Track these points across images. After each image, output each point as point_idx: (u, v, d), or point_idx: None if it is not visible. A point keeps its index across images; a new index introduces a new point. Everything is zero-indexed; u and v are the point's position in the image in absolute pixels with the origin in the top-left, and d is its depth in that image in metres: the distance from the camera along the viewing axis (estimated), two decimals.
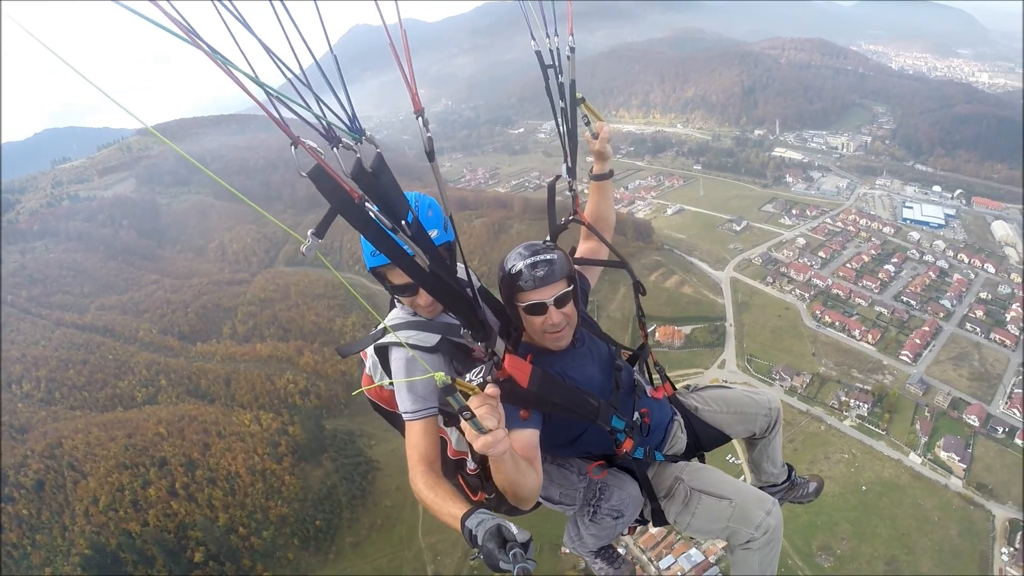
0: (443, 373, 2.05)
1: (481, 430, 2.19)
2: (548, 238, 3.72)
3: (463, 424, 2.20)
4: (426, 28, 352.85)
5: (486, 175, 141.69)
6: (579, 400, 3.11)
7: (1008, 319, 75.88)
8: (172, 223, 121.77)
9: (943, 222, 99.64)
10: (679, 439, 3.90)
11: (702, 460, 4.13)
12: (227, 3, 1.46)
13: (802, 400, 65.15)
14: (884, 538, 50.45)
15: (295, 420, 62.83)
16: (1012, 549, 49.41)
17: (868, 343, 72.38)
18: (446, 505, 2.57)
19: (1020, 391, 64.16)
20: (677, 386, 4.16)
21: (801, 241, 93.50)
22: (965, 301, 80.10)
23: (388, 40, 1.86)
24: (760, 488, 4.47)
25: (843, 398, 64.04)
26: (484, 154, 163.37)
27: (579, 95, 3.56)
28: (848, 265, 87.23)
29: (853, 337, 73.39)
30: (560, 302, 3.07)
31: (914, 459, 57.71)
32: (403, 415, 3.00)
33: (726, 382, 4.39)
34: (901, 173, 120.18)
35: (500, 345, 2.76)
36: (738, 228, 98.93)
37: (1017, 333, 73.51)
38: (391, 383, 3.17)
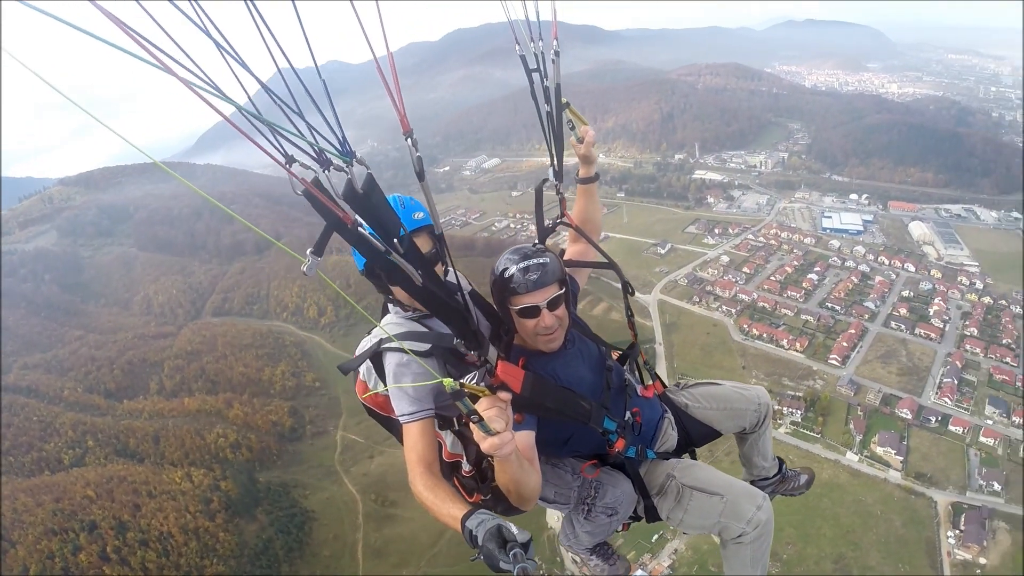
0: (451, 379, 2.26)
1: (489, 432, 2.40)
2: (537, 241, 4.00)
3: (472, 426, 2.42)
4: (351, 70, 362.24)
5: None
6: (572, 403, 3.32)
7: (931, 313, 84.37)
8: (95, 276, 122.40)
9: (862, 228, 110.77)
10: (670, 436, 4.16)
11: (693, 456, 4.40)
12: (218, 38, 1.65)
13: None
14: (829, 537, 53.99)
15: (227, 475, 63.75)
16: (958, 531, 53.92)
17: (797, 351, 78.30)
18: (446, 506, 2.72)
19: (949, 380, 70.52)
20: (667, 384, 4.45)
21: (725, 259, 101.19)
22: (888, 301, 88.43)
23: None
24: (752, 481, 4.88)
25: (776, 407, 68.43)
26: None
27: (564, 100, 3.83)
28: (772, 278, 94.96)
29: (781, 347, 79.21)
30: (553, 305, 3.33)
31: (851, 457, 62.16)
32: (400, 418, 3.17)
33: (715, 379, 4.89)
34: (819, 185, 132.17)
35: (493, 353, 2.95)
36: (663, 251, 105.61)
37: (941, 326, 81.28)
38: (386, 388, 3.34)
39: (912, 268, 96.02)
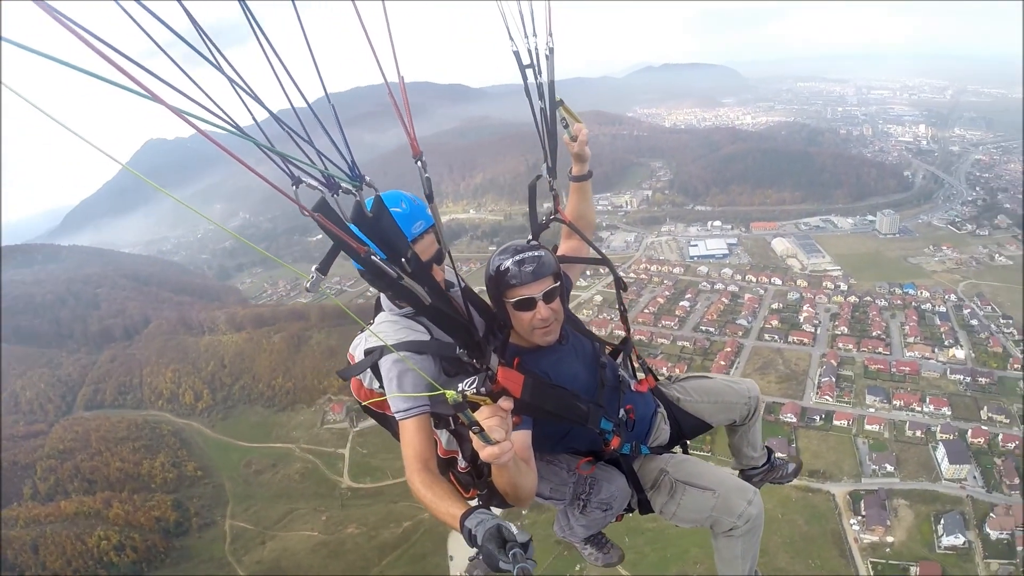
0: (454, 391, 2.55)
1: (489, 441, 2.62)
2: (531, 238, 4.27)
3: (472, 435, 2.64)
4: (222, 137, 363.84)
5: (287, 287, 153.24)
6: (570, 406, 3.69)
7: (802, 320, 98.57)
8: None
9: (727, 251, 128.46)
10: (662, 430, 4.60)
11: (685, 449, 4.90)
12: (231, 73, 1.94)
13: None
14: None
15: None
16: (860, 517, 61.99)
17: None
18: (444, 504, 2.98)
19: (827, 379, 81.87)
20: (659, 377, 4.91)
21: (598, 298, 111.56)
22: (759, 315, 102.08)
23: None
24: (741, 471, 5.53)
25: None
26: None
27: (558, 98, 4.14)
28: (646, 310, 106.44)
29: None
30: (548, 297, 3.64)
31: None
32: (395, 415, 3.42)
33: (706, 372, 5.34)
34: (683, 217, 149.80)
35: (494, 360, 3.32)
36: None
37: (812, 330, 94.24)
38: (381, 388, 3.60)
39: (779, 281, 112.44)
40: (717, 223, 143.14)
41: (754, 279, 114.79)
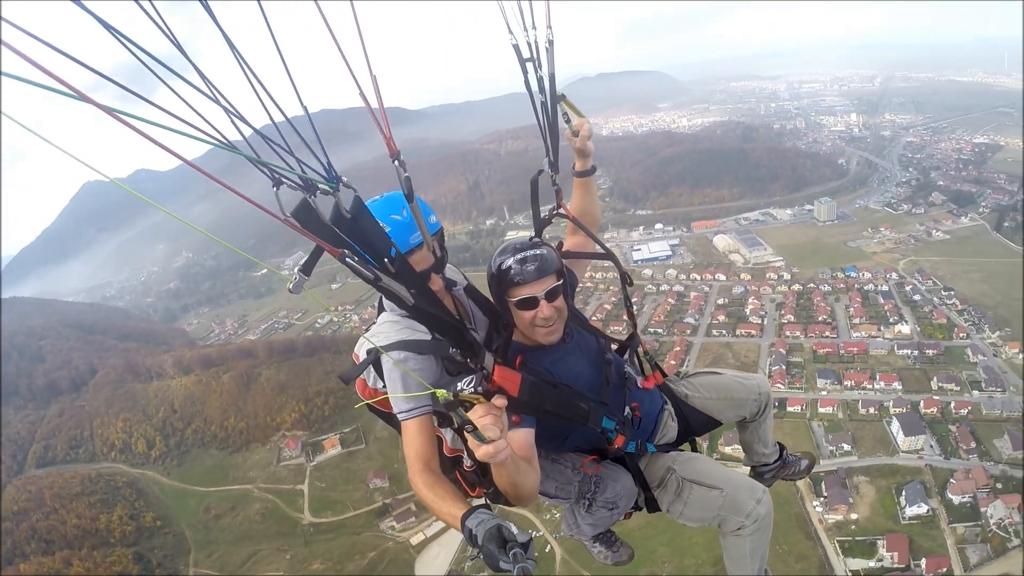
0: (445, 390, 2.61)
1: (483, 440, 2.66)
2: (534, 234, 4.33)
3: (466, 435, 2.70)
4: (160, 178, 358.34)
5: (235, 325, 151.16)
6: (569, 405, 3.69)
7: (748, 312, 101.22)
8: None
9: (670, 252, 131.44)
10: (670, 428, 4.60)
11: (693, 446, 4.90)
12: (209, 89, 1.94)
13: None
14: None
15: None
16: (823, 499, 63.61)
17: None
18: (445, 504, 3.03)
19: (777, 367, 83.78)
20: (667, 374, 4.89)
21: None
22: (706, 312, 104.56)
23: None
24: (753, 467, 5.53)
25: None
26: (230, 303, 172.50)
27: (559, 92, 4.05)
28: (593, 318, 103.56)
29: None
30: (551, 296, 3.67)
31: None
32: (397, 415, 3.48)
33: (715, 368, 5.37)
34: (625, 222, 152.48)
35: (489, 359, 3.31)
36: None
37: (759, 321, 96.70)
38: (384, 387, 3.68)
39: (723, 277, 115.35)
40: (659, 226, 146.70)
41: (699, 277, 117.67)
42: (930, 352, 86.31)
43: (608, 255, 4.63)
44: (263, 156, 2.25)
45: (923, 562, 56.23)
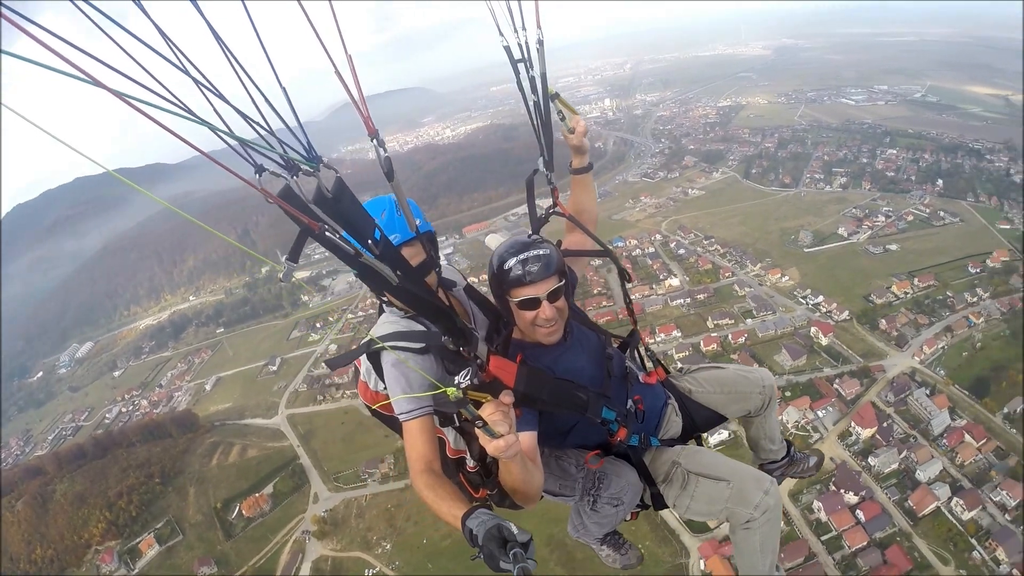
0: (454, 388, 2.68)
1: (494, 435, 2.78)
2: (531, 232, 4.31)
3: (477, 431, 2.80)
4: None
5: (20, 444, 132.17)
6: (568, 395, 3.80)
7: None
8: None
9: (446, 262, 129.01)
10: (674, 422, 4.68)
11: (699, 442, 4.95)
12: (183, 62, 2.01)
13: (397, 479, 77.23)
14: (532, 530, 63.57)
15: None
16: None
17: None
18: (446, 505, 3.10)
19: None
20: (670, 369, 4.97)
21: (333, 347, 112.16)
22: None
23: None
24: (760, 465, 5.51)
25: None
26: (11, 420, 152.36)
27: (552, 90, 4.17)
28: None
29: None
30: (553, 297, 3.76)
31: None
32: (399, 416, 3.57)
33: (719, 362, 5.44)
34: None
35: (482, 348, 3.45)
36: (275, 368, 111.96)
37: None
38: (385, 388, 3.78)
39: None
40: None
41: (476, 279, 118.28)
42: (701, 296, 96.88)
43: (607, 252, 4.67)
44: (240, 144, 2.36)
45: None
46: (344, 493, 78.87)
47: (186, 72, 2.07)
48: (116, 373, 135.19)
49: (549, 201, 4.71)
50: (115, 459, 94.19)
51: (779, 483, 4.59)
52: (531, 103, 4.08)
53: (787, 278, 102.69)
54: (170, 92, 1.91)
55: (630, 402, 4.25)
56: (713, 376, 4.95)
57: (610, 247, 4.67)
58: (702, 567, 56.93)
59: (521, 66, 3.95)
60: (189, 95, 1.97)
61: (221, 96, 2.15)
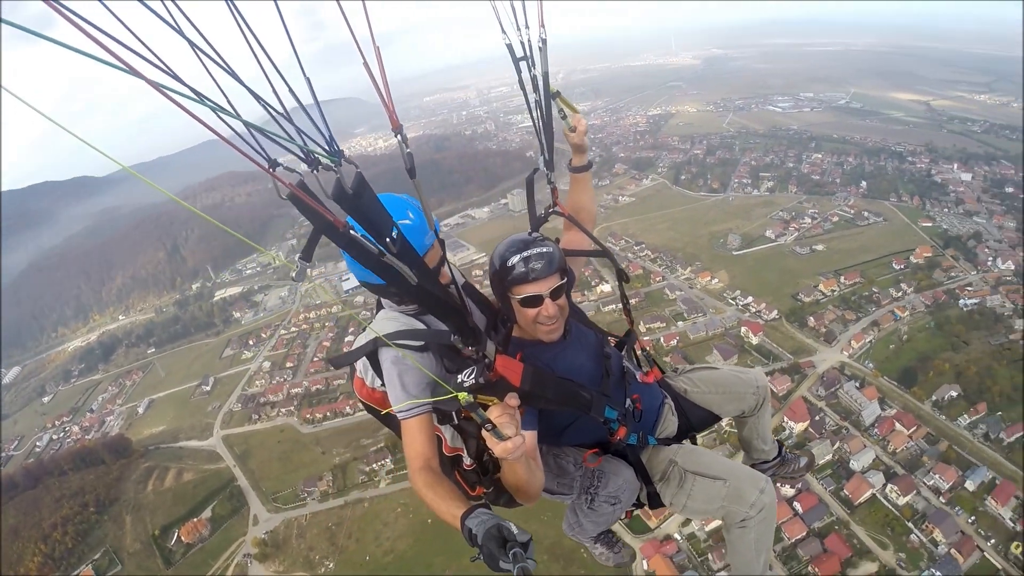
0: (465, 393, 2.77)
1: (501, 437, 2.84)
2: (531, 231, 4.31)
3: (485, 433, 2.87)
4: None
5: None
6: (572, 394, 3.82)
7: None
8: None
9: None
10: (670, 422, 4.72)
11: (694, 442, 4.97)
12: (204, 45, 1.97)
13: (336, 496, 76.87)
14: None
15: None
16: None
17: (361, 409, 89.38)
18: (445, 504, 3.12)
19: None
20: (665, 369, 5.04)
21: (267, 364, 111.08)
22: None
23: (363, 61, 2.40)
24: (752, 465, 5.56)
25: (366, 469, 78.21)
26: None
27: (553, 89, 4.16)
28: (315, 358, 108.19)
29: (348, 415, 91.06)
30: (555, 294, 3.80)
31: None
32: (398, 414, 3.57)
33: (713, 363, 5.35)
34: (331, 255, 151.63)
35: (490, 348, 3.43)
36: (208, 388, 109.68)
37: None
38: (383, 385, 3.76)
39: None
40: None
41: None
42: (633, 301, 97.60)
43: (605, 252, 4.71)
44: (258, 137, 2.31)
45: None
46: (284, 513, 77.67)
47: (200, 51, 2.05)
48: (45, 399, 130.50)
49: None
50: (48, 489, 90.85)
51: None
52: (532, 102, 4.12)
53: (717, 280, 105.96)
54: (176, 77, 1.85)
55: (628, 401, 4.31)
56: (708, 376, 5.08)
57: (608, 247, 4.76)
58: (645, 567, 57.56)
59: (522, 65, 4.00)
60: (196, 79, 1.95)
61: (238, 78, 2.16)
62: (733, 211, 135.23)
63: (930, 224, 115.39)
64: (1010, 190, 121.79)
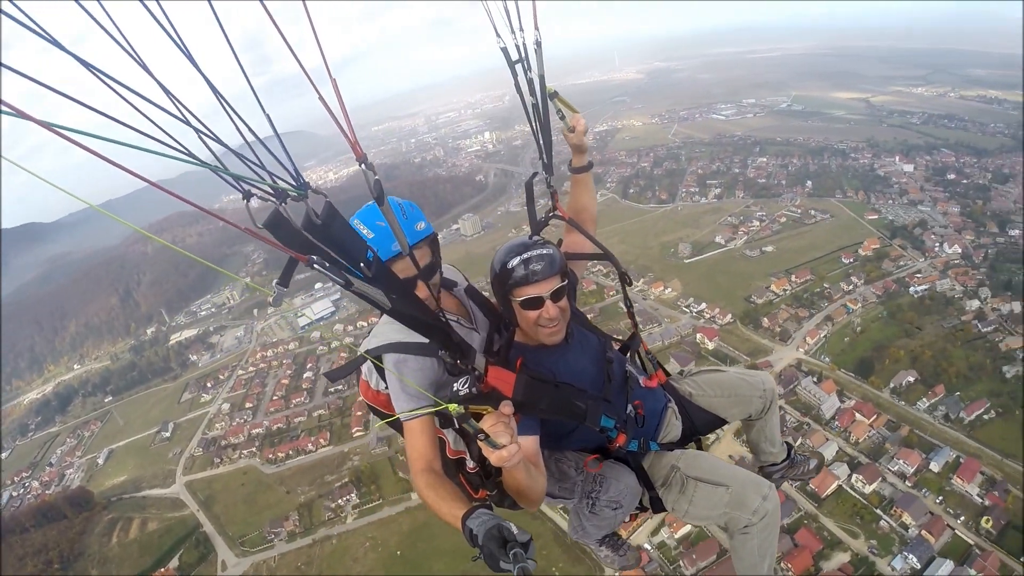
0: (456, 404, 2.80)
1: (496, 446, 2.82)
2: (531, 235, 4.34)
3: (480, 443, 2.85)
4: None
5: None
6: (566, 404, 3.80)
7: None
8: None
9: (334, 308, 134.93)
10: (674, 426, 4.68)
11: (699, 445, 5.00)
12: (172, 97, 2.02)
13: (304, 535, 76.47)
14: (446, 568, 63.62)
15: None
16: None
17: (323, 446, 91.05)
18: (446, 505, 3.17)
19: None
20: (670, 372, 5.01)
21: (226, 406, 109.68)
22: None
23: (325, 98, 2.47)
24: (760, 467, 5.56)
25: (332, 505, 77.91)
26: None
27: (551, 89, 4.21)
28: (275, 397, 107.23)
29: (310, 452, 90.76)
30: (556, 296, 3.82)
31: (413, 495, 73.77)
32: (400, 416, 3.61)
33: (719, 365, 5.04)
34: (288, 292, 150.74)
35: (480, 360, 3.44)
36: (168, 434, 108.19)
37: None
38: (387, 388, 3.83)
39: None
40: (318, 285, 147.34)
41: (365, 323, 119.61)
42: (588, 317, 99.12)
43: (606, 255, 4.66)
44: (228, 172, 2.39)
45: None
46: (252, 556, 76.74)
47: (176, 100, 2.17)
48: (3, 455, 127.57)
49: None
50: (10, 547, 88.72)
51: (779, 486, 4.85)
52: (529, 104, 4.25)
53: (670, 289, 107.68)
54: (160, 128, 2.05)
55: (630, 407, 4.30)
56: (714, 379, 5.05)
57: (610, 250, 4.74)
58: None
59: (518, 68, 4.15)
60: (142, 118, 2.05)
61: (212, 134, 2.38)
62: (682, 220, 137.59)
63: (876, 217, 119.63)
64: (952, 177, 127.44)
